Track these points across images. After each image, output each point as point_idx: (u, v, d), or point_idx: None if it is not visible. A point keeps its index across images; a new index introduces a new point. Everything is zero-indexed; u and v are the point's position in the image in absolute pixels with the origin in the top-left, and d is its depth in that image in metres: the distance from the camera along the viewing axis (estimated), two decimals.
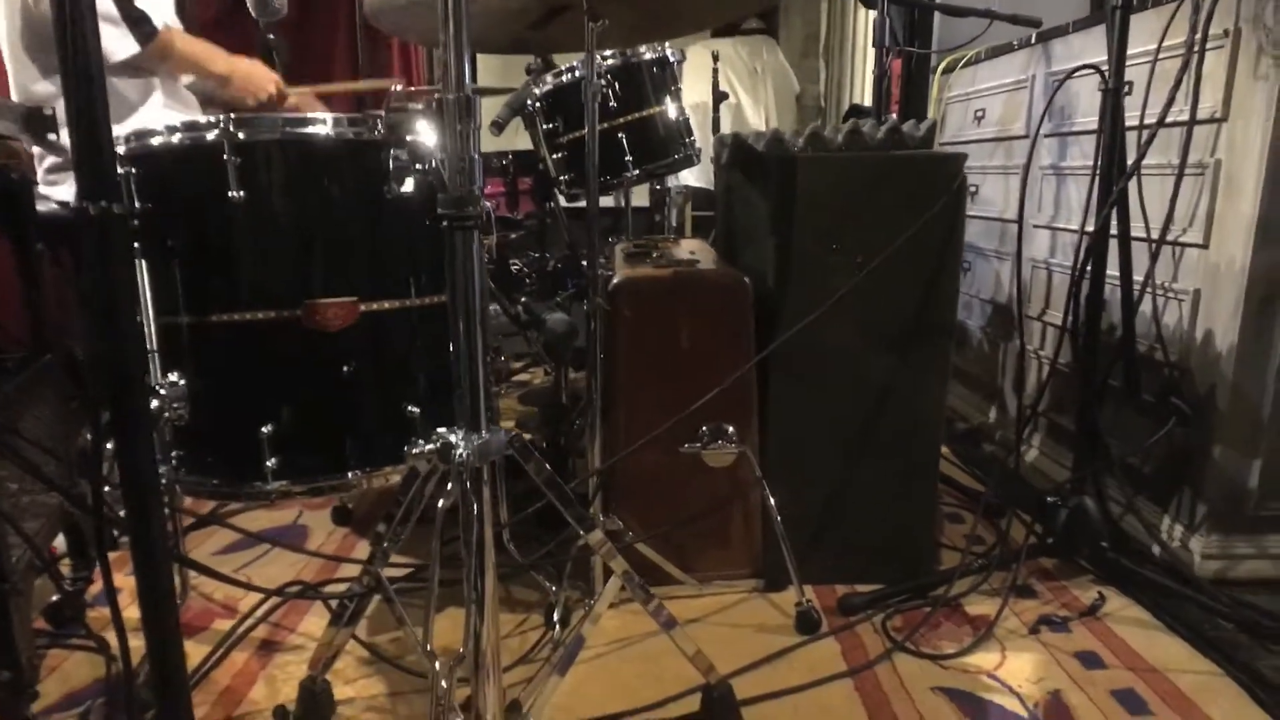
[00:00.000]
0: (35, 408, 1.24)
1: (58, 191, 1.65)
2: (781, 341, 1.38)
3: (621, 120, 1.68)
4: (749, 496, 1.51)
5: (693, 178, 3.72)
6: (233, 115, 1.14)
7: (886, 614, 1.44)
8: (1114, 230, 1.48)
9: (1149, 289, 1.58)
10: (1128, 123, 1.49)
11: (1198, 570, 1.51)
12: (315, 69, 2.90)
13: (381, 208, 1.20)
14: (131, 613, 1.50)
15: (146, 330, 1.22)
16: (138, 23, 1.70)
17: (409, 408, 1.25)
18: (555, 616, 1.34)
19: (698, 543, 1.52)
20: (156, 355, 1.23)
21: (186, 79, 1.90)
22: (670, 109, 1.74)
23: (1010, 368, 2.26)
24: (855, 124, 1.50)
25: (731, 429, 1.46)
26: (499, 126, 1.59)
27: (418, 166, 1.16)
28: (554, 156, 1.75)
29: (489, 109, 1.38)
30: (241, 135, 1.13)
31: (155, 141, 1.21)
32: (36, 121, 1.28)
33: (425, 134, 1.26)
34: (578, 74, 1.68)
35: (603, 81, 1.58)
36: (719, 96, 3.19)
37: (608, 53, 1.67)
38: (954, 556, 1.63)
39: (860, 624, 1.42)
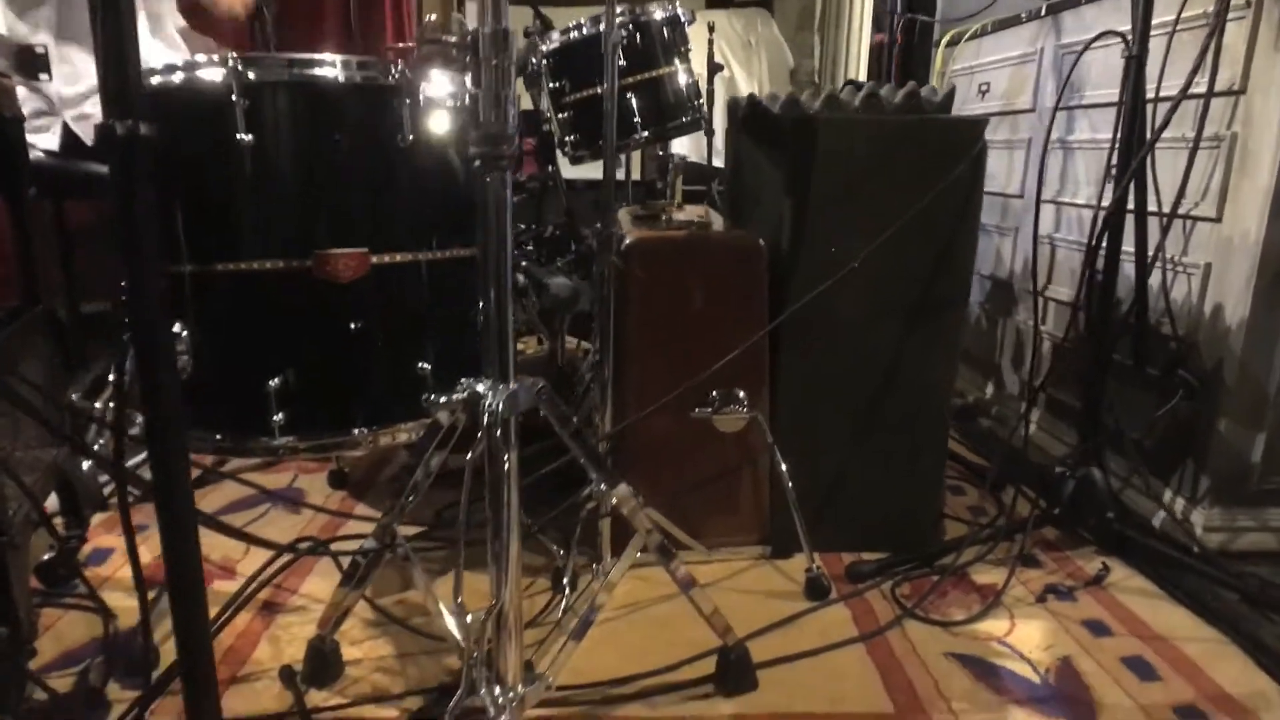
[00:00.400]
0: (27, 361, 1.19)
1: (42, 139, 1.58)
2: (798, 306, 1.36)
3: (631, 80, 1.64)
4: (758, 463, 1.50)
5: (683, 149, 3.68)
6: (240, 55, 1.09)
7: (895, 582, 1.44)
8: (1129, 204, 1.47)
9: (1159, 263, 1.57)
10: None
11: (1199, 543, 1.52)
12: (305, 27, 2.82)
13: (395, 156, 1.16)
14: (125, 573, 1.47)
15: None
16: None
17: (420, 365, 1.22)
18: (565, 580, 1.32)
19: (706, 509, 1.50)
20: None
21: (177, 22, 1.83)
22: (680, 70, 1.70)
23: (1009, 344, 2.26)
24: (873, 87, 1.48)
25: (742, 394, 1.44)
26: None
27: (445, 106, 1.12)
28: (559, 116, 1.71)
29: None
30: (251, 75, 1.08)
31: (154, 81, 1.16)
32: (28, 60, 1.23)
33: (439, 82, 1.22)
34: (586, 31, 1.64)
35: (623, 33, 1.54)
36: (714, 68, 3.15)
37: (619, 10, 1.63)
38: (957, 527, 1.64)
39: (869, 591, 1.42)
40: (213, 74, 1.09)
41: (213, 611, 1.29)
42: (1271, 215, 1.41)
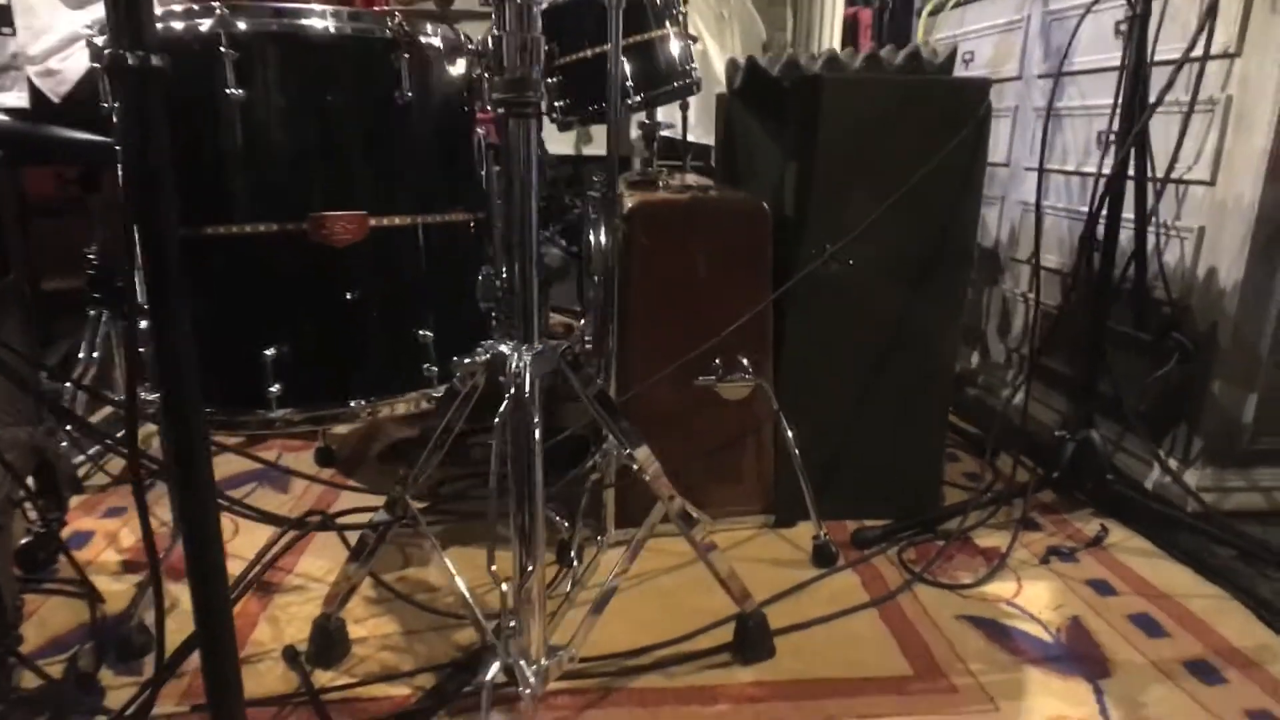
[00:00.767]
0: (5, 330, 1.13)
1: (6, 98, 1.49)
2: (807, 271, 1.34)
3: (623, 43, 1.60)
4: (761, 431, 1.48)
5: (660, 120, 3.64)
6: (226, 2, 1.03)
7: (900, 547, 1.44)
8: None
9: (1153, 227, 1.58)
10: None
11: (1191, 504, 1.54)
12: None
13: (394, 114, 1.11)
14: (108, 556, 1.41)
15: (132, 246, 1.11)
16: None
17: (420, 332, 1.18)
18: (572, 553, 1.29)
19: (709, 478, 1.48)
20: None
21: None
22: (672, 34, 1.66)
23: (995, 312, 2.27)
24: (874, 48, 1.45)
25: (746, 361, 1.41)
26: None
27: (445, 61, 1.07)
28: (548, 80, 1.66)
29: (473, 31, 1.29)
30: (241, 25, 1.02)
31: None
32: None
33: (433, 37, 1.17)
34: None
35: None
36: (687, 32, 3.10)
37: None
38: (954, 493, 1.64)
39: (875, 557, 1.42)
40: (198, 23, 1.03)
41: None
42: (1267, 177, 1.42)
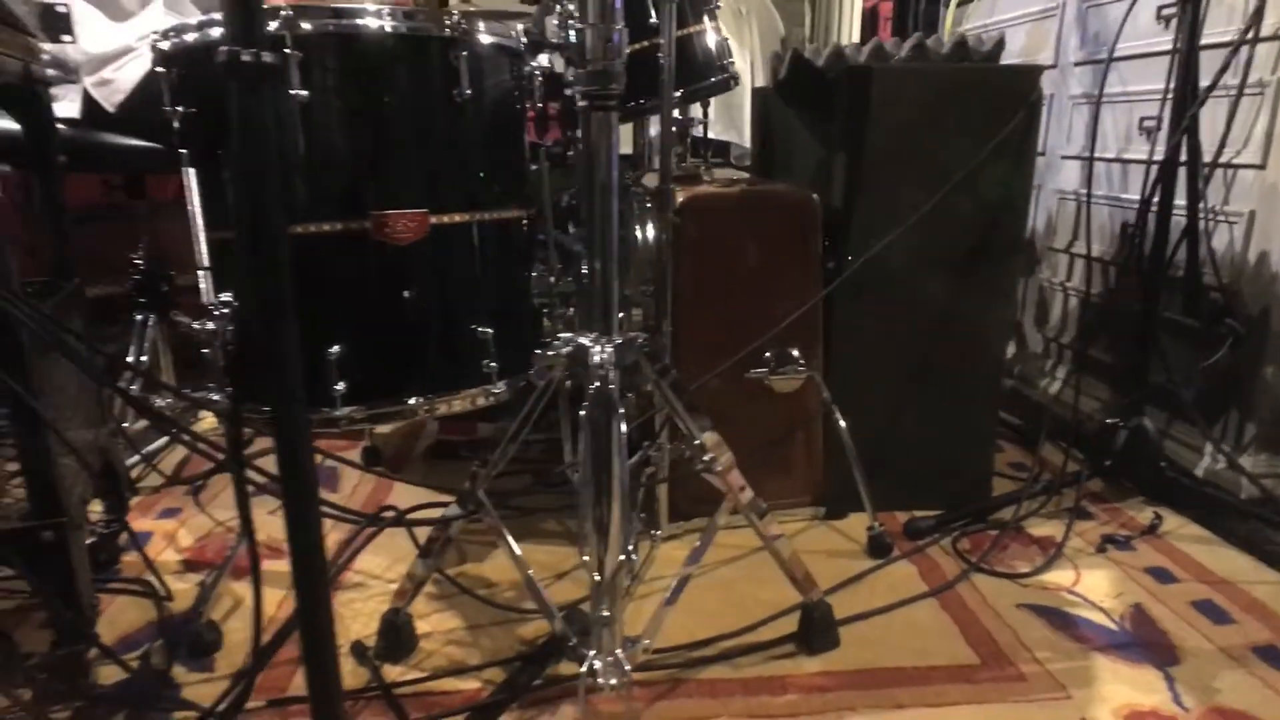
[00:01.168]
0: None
1: (62, 108, 1.51)
2: (859, 263, 1.33)
3: (660, 39, 1.60)
4: (811, 422, 1.48)
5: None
6: (290, 3, 1.04)
7: (954, 537, 1.44)
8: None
9: (1201, 212, 1.57)
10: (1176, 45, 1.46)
11: (1245, 490, 1.53)
12: None
13: (453, 112, 1.12)
14: (168, 556, 1.42)
15: (197, 247, 1.12)
16: None
17: (479, 329, 1.18)
18: (631, 546, 1.30)
19: (758, 471, 1.45)
20: (209, 274, 1.13)
21: None
22: (709, 29, 1.66)
23: (1032, 302, 2.26)
24: (920, 37, 1.45)
25: (797, 353, 1.41)
26: None
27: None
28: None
29: None
30: (305, 26, 1.03)
31: (191, 38, 1.10)
32: (51, 19, 1.16)
33: (490, 34, 1.18)
34: None
35: None
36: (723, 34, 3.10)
37: None
38: (1001, 483, 1.63)
39: (929, 547, 1.41)
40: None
41: (277, 590, 1.26)
42: None
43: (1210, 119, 1.55)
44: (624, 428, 0.79)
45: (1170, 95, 1.44)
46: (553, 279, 1.28)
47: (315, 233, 1.09)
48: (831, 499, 1.51)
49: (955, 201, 1.38)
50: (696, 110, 1.90)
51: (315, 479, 0.68)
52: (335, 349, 1.10)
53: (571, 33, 1.53)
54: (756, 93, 2.02)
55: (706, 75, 1.65)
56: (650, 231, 1.40)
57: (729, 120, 3.41)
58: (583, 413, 0.80)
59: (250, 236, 0.59)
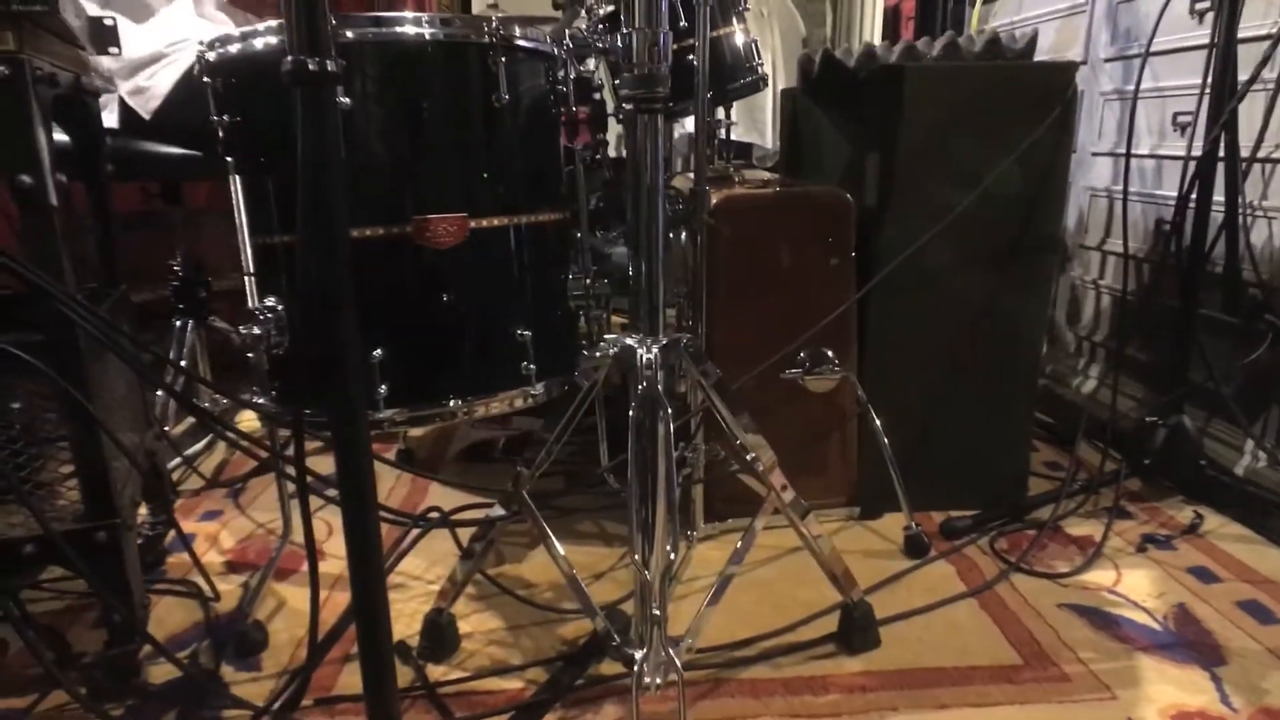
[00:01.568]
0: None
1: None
2: (896, 264, 1.33)
3: (690, 42, 1.60)
4: (845, 422, 1.48)
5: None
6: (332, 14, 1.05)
7: (991, 537, 1.43)
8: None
9: (1240, 208, 1.55)
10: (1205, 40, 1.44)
11: None
12: None
13: (492, 116, 1.13)
14: (212, 557, 1.45)
15: (242, 253, 1.14)
16: None
17: (519, 331, 1.19)
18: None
19: (792, 471, 1.45)
20: (253, 279, 1.15)
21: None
22: (737, 30, 1.66)
23: (1064, 300, 2.24)
24: (952, 35, 1.45)
25: (831, 353, 1.41)
26: None
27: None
28: (615, 82, 1.68)
29: None
30: (348, 34, 1.05)
31: (234, 49, 1.12)
32: (100, 32, 1.19)
33: (527, 39, 1.19)
34: None
35: None
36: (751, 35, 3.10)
37: None
38: (1037, 482, 1.62)
39: (967, 547, 1.41)
40: None
41: (321, 591, 1.27)
42: None
43: (1247, 113, 1.53)
44: (670, 427, 0.79)
45: (1207, 90, 1.43)
46: (588, 280, 1.29)
47: (357, 238, 1.10)
48: (867, 499, 1.51)
49: (990, 200, 1.37)
50: (719, 112, 1.91)
51: (373, 481, 0.69)
52: (378, 352, 1.12)
53: (603, 39, 1.55)
54: (785, 94, 2.02)
55: (736, 77, 1.66)
56: (684, 233, 1.41)
57: (750, 122, 3.41)
58: (630, 413, 0.81)
59: (317, 243, 0.60)
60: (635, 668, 0.85)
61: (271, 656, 1.14)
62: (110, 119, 1.54)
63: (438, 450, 1.86)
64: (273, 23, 1.14)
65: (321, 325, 0.63)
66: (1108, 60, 2.02)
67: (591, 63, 1.19)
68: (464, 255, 1.14)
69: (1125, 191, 1.52)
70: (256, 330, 1.10)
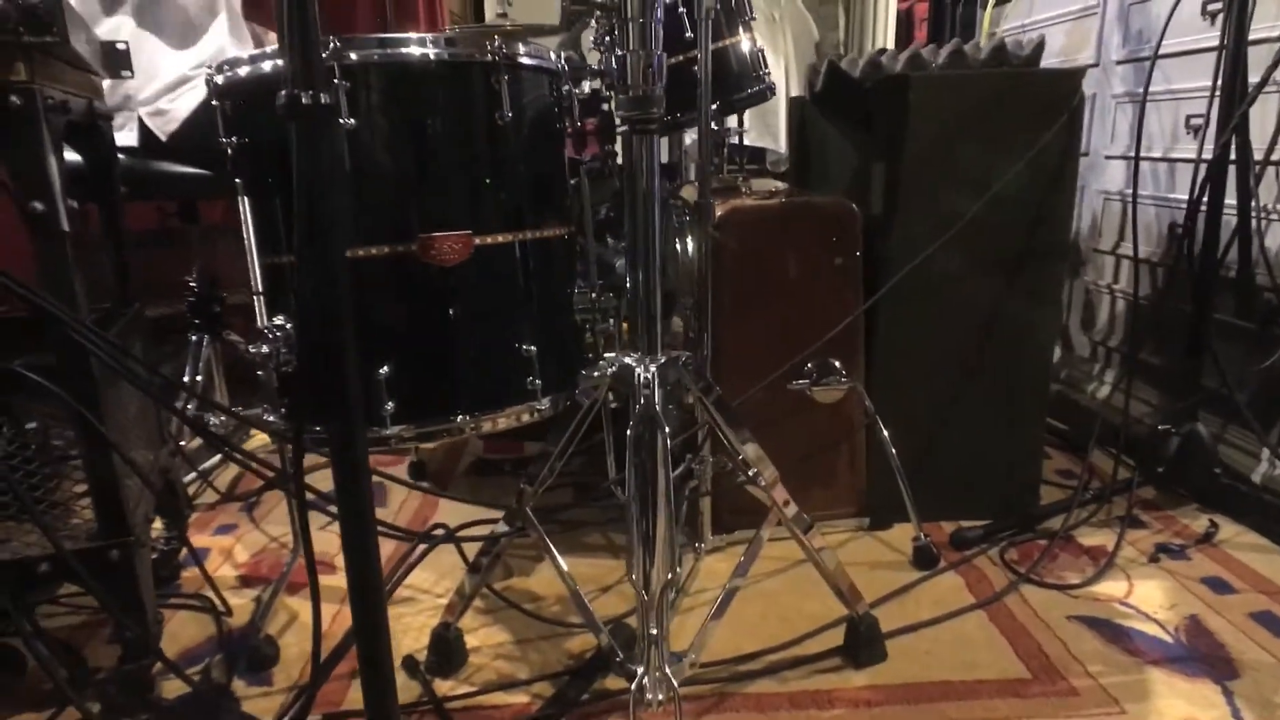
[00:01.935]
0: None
1: (119, 137, 1.56)
2: (903, 275, 1.33)
3: (695, 53, 1.61)
4: (854, 432, 1.47)
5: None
6: (336, 35, 1.07)
7: (1001, 548, 1.42)
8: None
9: (1253, 212, 1.53)
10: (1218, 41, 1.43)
11: None
12: (334, 12, 2.77)
13: (495, 134, 1.14)
14: (226, 571, 1.46)
15: (251, 273, 1.16)
16: None
17: (524, 347, 1.20)
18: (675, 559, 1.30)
19: (801, 482, 1.48)
20: (261, 298, 1.17)
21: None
22: (744, 40, 1.66)
23: (1077, 305, 2.22)
24: (958, 43, 1.44)
25: (839, 364, 1.41)
26: None
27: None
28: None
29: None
30: (352, 56, 1.06)
31: (243, 71, 1.14)
32: (112, 56, 1.21)
33: (529, 56, 1.20)
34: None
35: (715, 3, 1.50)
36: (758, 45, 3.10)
37: None
38: (1049, 491, 1.61)
39: (977, 558, 1.40)
40: None
41: (331, 605, 1.29)
42: None
43: (1260, 115, 1.51)
44: (669, 445, 0.80)
45: (1218, 92, 1.41)
46: (594, 294, 1.30)
47: (363, 256, 1.11)
48: (876, 509, 1.50)
49: (997, 207, 1.37)
50: (730, 120, 1.91)
51: (371, 498, 0.70)
52: (384, 369, 1.13)
53: (612, 54, 1.55)
54: (793, 102, 2.02)
55: (744, 87, 1.66)
56: (690, 244, 1.42)
57: (764, 127, 3.41)
58: (629, 432, 0.81)
59: (314, 269, 0.61)
60: (634, 685, 0.85)
61: (283, 671, 1.16)
62: (130, 138, 1.57)
63: (450, 463, 1.88)
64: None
65: (319, 348, 0.63)
66: (1120, 62, 2.00)
67: (588, 85, 1.20)
68: (469, 272, 1.15)
69: (1135, 195, 1.51)
70: (265, 349, 1.11)
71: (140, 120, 1.55)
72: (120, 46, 1.22)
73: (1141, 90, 1.90)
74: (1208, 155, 1.48)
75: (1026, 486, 1.53)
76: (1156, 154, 1.87)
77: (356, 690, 1.10)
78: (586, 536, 1.50)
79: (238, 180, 1.14)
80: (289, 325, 1.16)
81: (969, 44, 1.45)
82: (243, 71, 1.14)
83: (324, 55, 1.04)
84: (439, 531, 1.31)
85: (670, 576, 0.82)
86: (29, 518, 0.96)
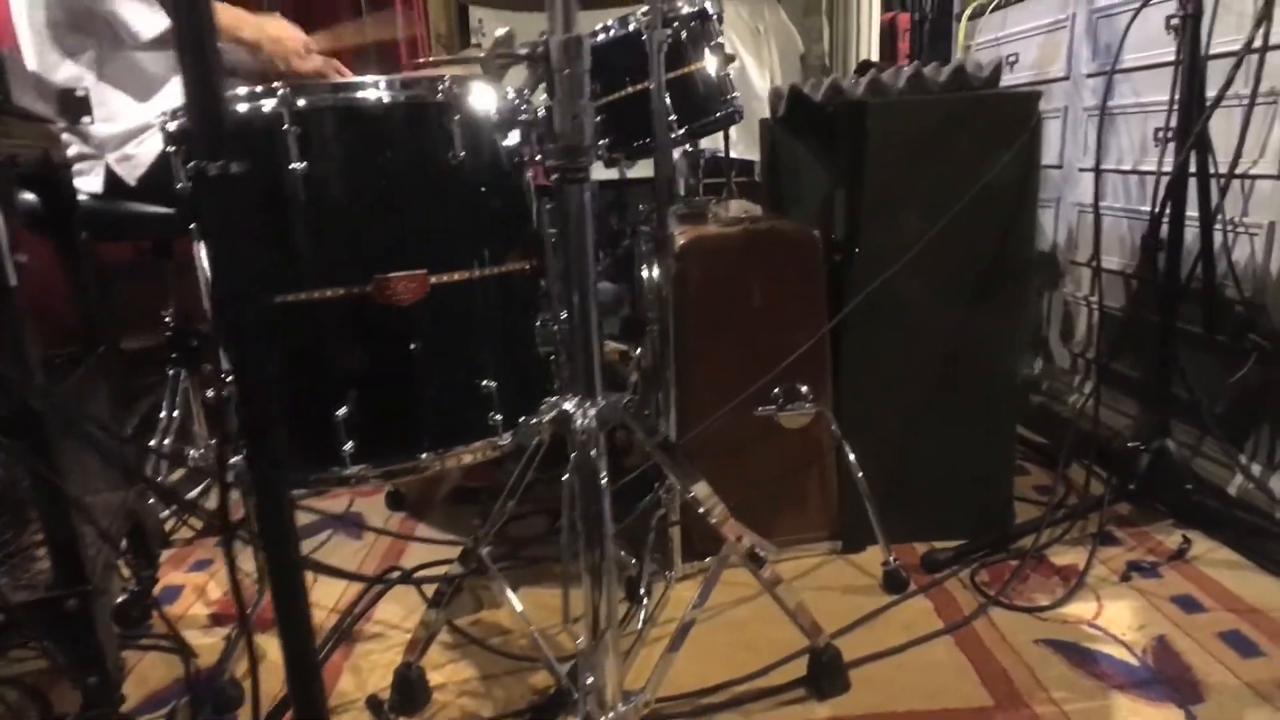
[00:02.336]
0: (94, 404, 1.19)
1: (86, 182, 1.58)
2: (861, 298, 1.33)
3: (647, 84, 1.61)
4: (824, 456, 1.47)
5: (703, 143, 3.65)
6: (286, 83, 1.08)
7: (973, 569, 1.42)
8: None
9: (1219, 225, 1.53)
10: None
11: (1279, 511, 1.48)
12: (321, 20, 2.77)
13: (448, 174, 1.15)
14: (198, 610, 1.46)
15: (209, 315, 1.17)
16: None
17: (484, 383, 1.20)
18: (641, 589, 1.31)
19: (773, 507, 1.48)
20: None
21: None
22: (710, 64, 1.67)
23: (1056, 317, 2.22)
24: (918, 67, 1.45)
25: (806, 388, 1.41)
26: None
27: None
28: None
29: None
30: (301, 102, 1.07)
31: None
32: (71, 104, 1.22)
33: (480, 96, 1.20)
34: (615, 33, 1.61)
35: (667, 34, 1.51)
36: (725, 60, 3.12)
37: (643, 9, 1.60)
38: (1025, 508, 1.60)
39: (947, 580, 1.40)
40: (261, 105, 1.08)
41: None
42: None
43: (1225, 129, 1.51)
44: (607, 497, 0.80)
45: (1176, 106, 1.42)
46: (555, 327, 1.30)
47: (319, 299, 1.12)
48: (848, 532, 1.50)
49: (960, 228, 1.37)
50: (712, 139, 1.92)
51: (296, 539, 0.70)
52: (343, 410, 1.13)
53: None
54: (762, 123, 2.03)
55: (711, 110, 1.67)
56: (657, 272, 1.42)
57: (751, 139, 3.42)
58: (565, 477, 0.81)
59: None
60: None
61: (247, 713, 1.15)
62: (95, 184, 1.58)
63: (428, 494, 1.88)
64: (240, 91, 1.16)
65: (241, 397, 0.64)
66: (1090, 76, 2.00)
67: (516, 134, 1.20)
68: (425, 311, 1.15)
69: (1096, 206, 1.52)
70: (225, 392, 1.12)
71: (107, 166, 1.56)
72: (79, 93, 1.24)
73: (1112, 103, 1.91)
74: (1168, 168, 1.48)
75: (1000, 505, 1.53)
76: (1126, 166, 1.87)
77: None
78: (555, 566, 1.50)
79: (191, 226, 1.15)
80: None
81: (929, 66, 1.45)
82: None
83: (274, 101, 1.06)
84: (395, 574, 1.31)
85: (607, 626, 0.82)
86: None
